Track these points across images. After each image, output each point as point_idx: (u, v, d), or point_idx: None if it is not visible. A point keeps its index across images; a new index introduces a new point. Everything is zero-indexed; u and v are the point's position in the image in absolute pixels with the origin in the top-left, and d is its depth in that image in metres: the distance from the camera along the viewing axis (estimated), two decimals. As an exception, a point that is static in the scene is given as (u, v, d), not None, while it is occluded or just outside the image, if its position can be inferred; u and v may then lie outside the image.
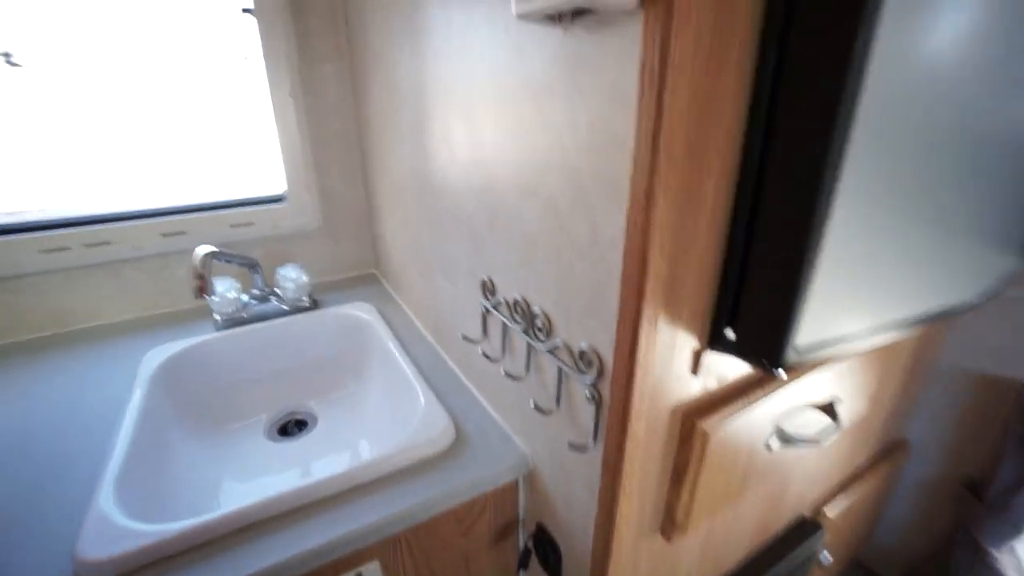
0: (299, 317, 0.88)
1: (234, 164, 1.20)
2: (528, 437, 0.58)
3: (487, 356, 0.58)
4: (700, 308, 0.39)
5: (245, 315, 0.86)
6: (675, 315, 0.38)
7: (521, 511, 0.63)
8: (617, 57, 0.33)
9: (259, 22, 0.88)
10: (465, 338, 0.62)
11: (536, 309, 0.49)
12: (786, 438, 0.50)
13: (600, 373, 0.42)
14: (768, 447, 0.50)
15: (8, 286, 0.83)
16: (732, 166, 0.34)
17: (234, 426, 0.80)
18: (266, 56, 0.89)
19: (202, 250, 0.69)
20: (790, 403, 0.50)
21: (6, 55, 1.09)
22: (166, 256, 0.91)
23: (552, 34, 0.38)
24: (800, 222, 0.32)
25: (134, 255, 0.88)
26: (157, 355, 0.77)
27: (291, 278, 0.88)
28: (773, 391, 0.47)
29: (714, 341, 0.40)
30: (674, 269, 0.36)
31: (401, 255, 0.91)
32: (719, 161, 0.34)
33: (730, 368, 0.46)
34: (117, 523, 0.50)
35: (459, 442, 0.61)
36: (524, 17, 0.35)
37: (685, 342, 0.40)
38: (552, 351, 0.47)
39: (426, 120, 0.65)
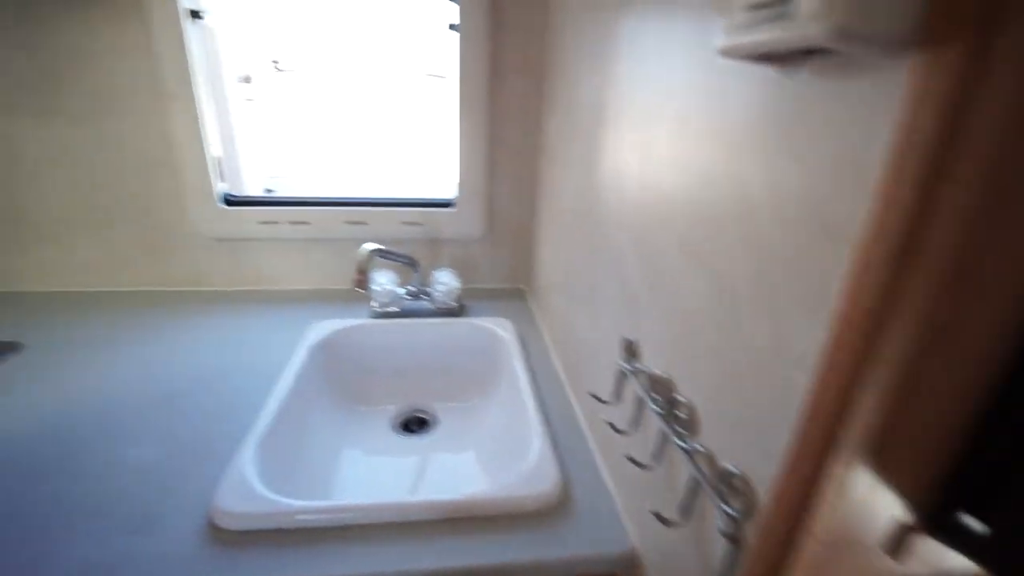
0: (443, 320, 0.91)
1: (417, 165, 1.31)
2: (642, 528, 0.50)
3: (613, 426, 0.51)
4: (924, 474, 0.27)
5: (397, 308, 0.92)
6: (880, 474, 0.27)
7: (617, 606, 0.55)
8: (858, 116, 0.23)
9: (461, 36, 0.92)
10: (594, 396, 0.56)
11: (681, 397, 0.41)
12: None
13: (747, 511, 0.32)
14: None
15: (233, 246, 1.00)
16: (1035, 297, 0.22)
17: (365, 409, 0.85)
18: (462, 68, 0.93)
19: (368, 247, 0.75)
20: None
21: (275, 62, 1.34)
22: (347, 241, 1.01)
23: (766, 76, 0.29)
24: None
25: (323, 236, 1.00)
26: (320, 328, 0.86)
27: (443, 281, 0.91)
28: (1024, 613, 0.31)
29: (939, 526, 0.28)
30: (893, 416, 0.25)
31: (551, 280, 0.88)
32: (1007, 283, 0.22)
33: (951, 554, 0.32)
34: (249, 482, 0.55)
35: (564, 505, 0.55)
36: (731, 54, 0.28)
37: (887, 509, 0.29)
38: (691, 453, 0.38)
39: (600, 148, 0.60)
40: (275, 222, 0.98)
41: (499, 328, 0.88)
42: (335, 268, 1.03)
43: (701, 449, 0.37)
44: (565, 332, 0.78)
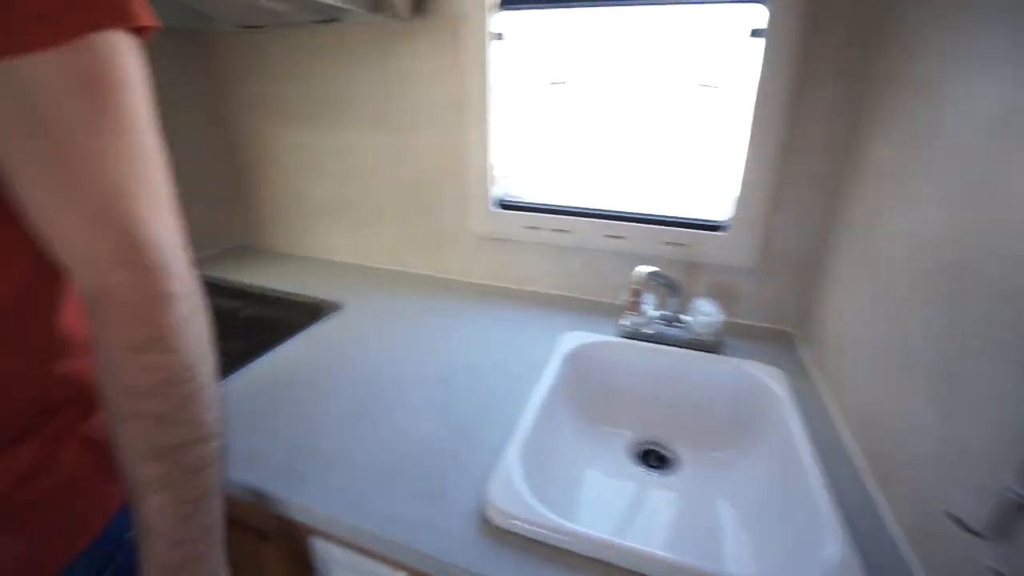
0: (698, 354, 0.83)
1: (683, 181, 1.23)
2: None
3: None
4: None
5: (649, 331, 0.88)
6: None
7: None
8: None
9: (767, 41, 0.82)
10: (957, 522, 0.42)
11: None
12: None
13: None
14: None
15: (499, 246, 1.09)
16: None
17: (604, 429, 0.83)
18: (761, 79, 0.83)
19: (645, 269, 0.72)
20: None
21: (552, 77, 1.42)
22: (602, 253, 1.01)
23: None
24: None
25: (581, 246, 1.02)
26: (572, 339, 0.87)
27: (705, 312, 0.83)
28: None
29: None
30: None
31: (848, 331, 0.72)
32: None
33: None
34: (517, 485, 0.57)
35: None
36: None
37: None
38: None
39: (1000, 191, 0.45)
40: (539, 228, 1.03)
41: (769, 378, 0.77)
42: (587, 279, 1.04)
43: None
44: (873, 408, 0.63)
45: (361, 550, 0.58)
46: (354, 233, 1.23)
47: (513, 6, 0.97)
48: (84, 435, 0.43)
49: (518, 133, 1.17)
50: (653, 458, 0.79)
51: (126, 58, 0.34)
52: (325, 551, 0.61)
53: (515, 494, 0.56)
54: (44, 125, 0.31)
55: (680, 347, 0.85)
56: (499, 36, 1.00)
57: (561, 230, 1.02)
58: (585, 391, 0.84)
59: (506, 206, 1.06)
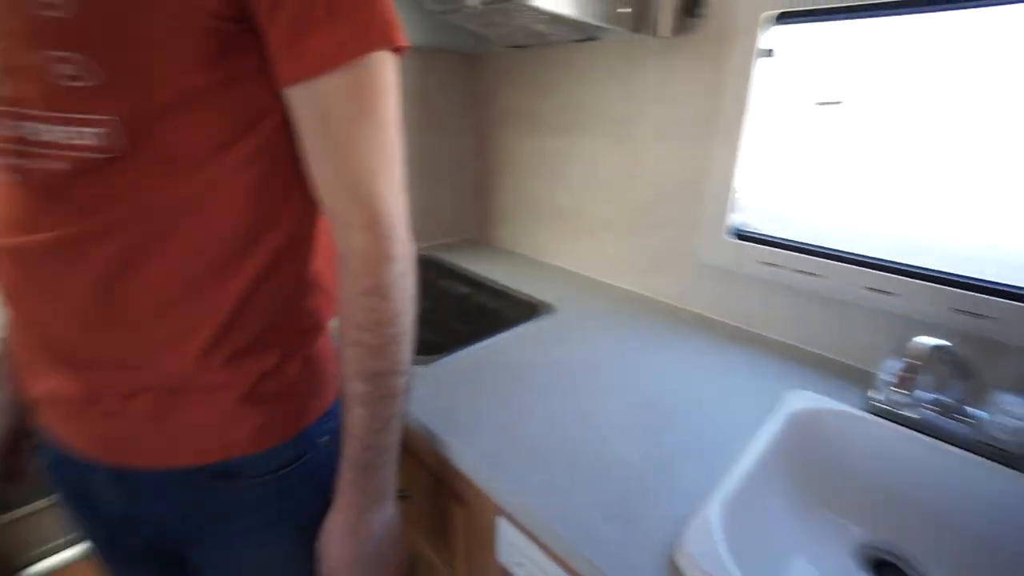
0: (989, 464, 0.63)
1: (996, 232, 0.96)
2: None
3: None
4: None
5: (911, 415, 0.70)
6: None
7: None
8: None
9: None
10: None
11: None
12: None
13: None
14: None
15: (726, 277, 1.01)
16: None
17: (823, 514, 0.70)
18: None
19: (929, 341, 0.57)
20: None
21: (819, 97, 1.25)
22: (857, 308, 0.84)
23: None
24: None
25: (827, 294, 0.87)
26: (802, 398, 0.75)
27: (1014, 413, 0.63)
28: None
29: None
30: None
31: None
32: None
33: None
34: (715, 542, 0.51)
35: None
36: None
37: None
38: None
39: None
40: (778, 266, 0.92)
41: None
42: (830, 333, 0.89)
43: None
44: None
45: (540, 545, 0.60)
46: (576, 241, 1.28)
47: (792, 20, 0.88)
48: (306, 356, 0.54)
49: (768, 158, 1.06)
50: (890, 573, 0.64)
51: (387, 71, 0.43)
52: (508, 533, 0.65)
53: (712, 550, 0.51)
54: (327, 123, 0.42)
55: (958, 447, 0.66)
56: (768, 53, 0.92)
57: (806, 272, 0.89)
58: (809, 463, 0.72)
59: (743, 236, 0.97)
